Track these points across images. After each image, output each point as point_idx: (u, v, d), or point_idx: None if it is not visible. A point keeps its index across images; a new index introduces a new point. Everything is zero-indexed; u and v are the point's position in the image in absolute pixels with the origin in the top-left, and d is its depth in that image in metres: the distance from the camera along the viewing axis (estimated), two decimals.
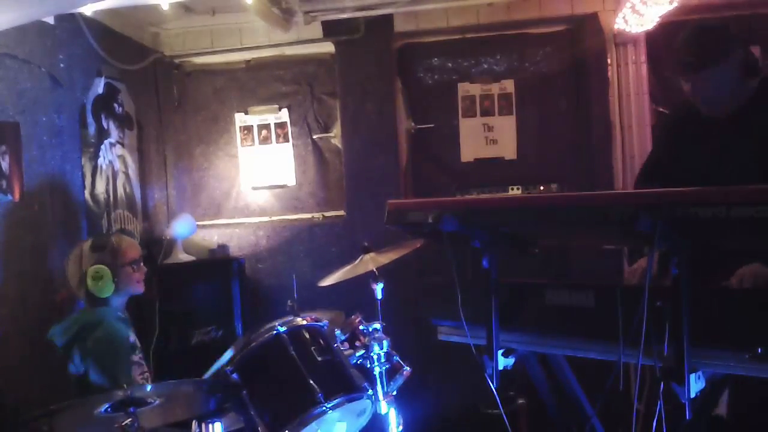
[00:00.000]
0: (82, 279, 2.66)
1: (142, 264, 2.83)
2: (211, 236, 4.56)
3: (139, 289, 2.82)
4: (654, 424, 1.59)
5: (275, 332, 2.36)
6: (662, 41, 4.02)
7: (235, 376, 2.31)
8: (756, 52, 4.14)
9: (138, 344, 2.81)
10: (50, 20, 3.21)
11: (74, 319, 2.67)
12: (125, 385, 2.34)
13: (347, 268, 2.93)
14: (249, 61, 4.60)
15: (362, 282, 2.86)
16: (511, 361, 2.03)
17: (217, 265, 4.21)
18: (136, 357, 2.72)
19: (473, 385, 2.29)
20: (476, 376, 2.00)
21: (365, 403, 2.45)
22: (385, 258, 2.88)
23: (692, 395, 1.57)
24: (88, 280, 2.63)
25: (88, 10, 3.27)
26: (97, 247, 2.71)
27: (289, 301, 2.80)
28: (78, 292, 2.72)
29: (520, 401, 3.56)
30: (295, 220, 4.57)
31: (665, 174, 2.41)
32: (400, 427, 2.58)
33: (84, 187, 3.52)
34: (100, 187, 3.71)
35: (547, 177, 4.33)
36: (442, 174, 4.49)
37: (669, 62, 2.38)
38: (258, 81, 4.58)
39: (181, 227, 4.23)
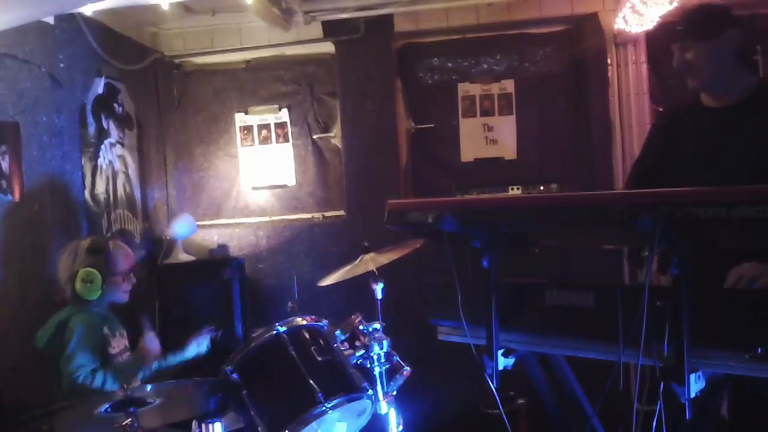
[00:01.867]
0: (71, 277, 2.68)
1: (132, 275, 2.85)
2: (211, 236, 4.56)
3: (124, 298, 2.85)
4: (654, 424, 1.59)
5: (275, 332, 2.36)
6: (662, 41, 4.01)
7: (235, 376, 2.31)
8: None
9: (125, 342, 2.86)
10: (50, 20, 3.21)
11: (52, 319, 2.70)
12: (81, 369, 2.36)
13: (347, 268, 2.93)
14: (249, 61, 4.60)
15: (362, 282, 2.87)
16: (511, 361, 2.02)
17: (217, 265, 4.21)
18: (114, 350, 2.73)
19: (473, 385, 2.29)
20: (476, 376, 2.00)
21: (365, 403, 2.46)
22: (385, 258, 2.88)
23: (692, 395, 1.57)
24: (77, 280, 2.65)
25: (88, 10, 3.27)
26: (94, 249, 2.72)
27: (289, 303, 2.80)
28: (64, 287, 2.73)
29: (520, 401, 3.56)
30: (295, 220, 4.57)
31: (658, 170, 2.41)
32: (400, 427, 2.58)
33: (84, 187, 3.52)
34: (100, 187, 3.71)
35: (547, 177, 4.33)
36: (442, 174, 4.49)
37: (669, 62, 2.39)
38: (258, 81, 4.58)
39: (181, 227, 4.23)
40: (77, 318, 2.65)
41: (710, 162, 2.24)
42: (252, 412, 2.26)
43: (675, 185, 1.59)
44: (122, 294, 2.82)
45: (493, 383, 1.97)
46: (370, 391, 2.43)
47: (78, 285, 2.65)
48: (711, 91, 2.34)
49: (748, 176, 1.84)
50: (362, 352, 2.54)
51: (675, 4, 3.48)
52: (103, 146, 3.76)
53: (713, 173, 2.19)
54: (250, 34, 4.40)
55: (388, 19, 4.26)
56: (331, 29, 4.31)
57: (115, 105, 3.93)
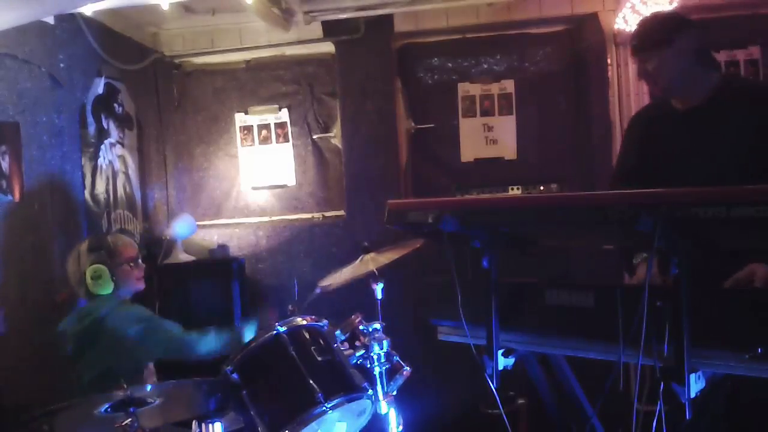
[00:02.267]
0: (81, 279, 2.70)
1: (140, 261, 2.86)
2: (211, 236, 4.56)
3: (140, 285, 2.86)
4: (654, 424, 1.59)
5: (275, 332, 2.36)
6: None
7: (235, 376, 2.31)
8: (756, 52, 4.15)
9: None
10: (50, 20, 3.21)
11: (82, 314, 2.69)
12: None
13: (347, 268, 2.93)
14: (249, 61, 4.60)
15: (362, 282, 2.86)
16: (511, 361, 2.03)
17: (217, 265, 4.21)
18: None
19: (473, 385, 2.29)
20: (476, 376, 2.00)
21: (365, 403, 2.45)
22: (385, 258, 2.88)
23: (692, 395, 1.57)
24: (87, 279, 2.67)
25: (88, 10, 3.27)
26: (93, 247, 2.74)
27: (289, 306, 2.80)
28: (79, 292, 2.75)
29: (520, 401, 3.56)
30: (295, 220, 4.57)
31: (640, 174, 2.41)
32: (400, 427, 2.58)
33: (84, 187, 3.52)
34: (100, 187, 3.71)
35: (547, 177, 4.33)
36: (442, 174, 4.49)
37: None
38: (258, 81, 4.58)
39: (181, 227, 4.23)
40: (120, 308, 2.68)
41: (702, 163, 2.23)
42: (252, 412, 2.26)
43: (664, 187, 1.59)
44: (136, 282, 2.84)
45: (493, 383, 1.98)
46: (370, 391, 2.43)
47: (89, 284, 2.68)
48: (676, 95, 2.35)
49: (747, 176, 1.84)
50: (362, 352, 2.53)
51: (675, 5, 3.48)
52: (103, 146, 3.76)
53: (706, 174, 2.18)
54: (250, 34, 4.40)
55: (388, 19, 4.26)
56: (331, 29, 4.31)
57: (115, 105, 3.93)
